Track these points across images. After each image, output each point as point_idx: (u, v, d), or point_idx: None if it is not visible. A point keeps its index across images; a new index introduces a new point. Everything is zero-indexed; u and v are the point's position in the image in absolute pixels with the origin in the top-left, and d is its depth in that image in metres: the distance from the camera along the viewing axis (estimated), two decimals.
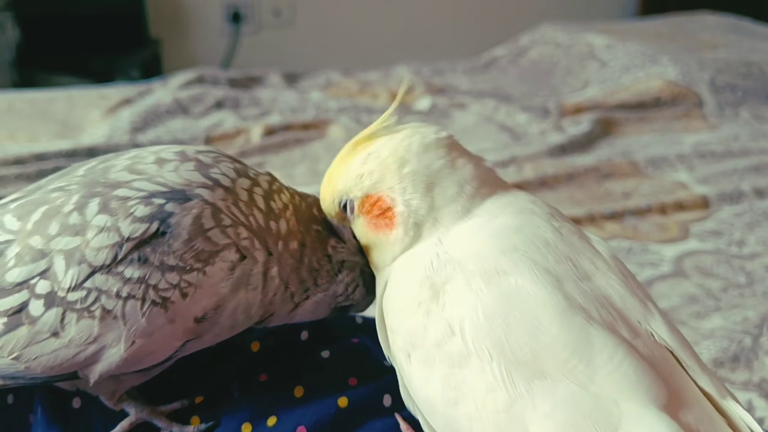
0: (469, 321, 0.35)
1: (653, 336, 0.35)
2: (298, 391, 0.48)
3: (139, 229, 0.39)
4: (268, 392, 0.48)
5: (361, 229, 0.44)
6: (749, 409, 0.64)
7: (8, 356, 0.39)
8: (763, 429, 0.61)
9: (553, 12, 2.49)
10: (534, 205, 0.41)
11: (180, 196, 0.41)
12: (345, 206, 0.44)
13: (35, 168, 1.04)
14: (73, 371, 0.40)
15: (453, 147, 0.42)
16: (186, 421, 0.47)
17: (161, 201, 0.40)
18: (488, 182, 0.42)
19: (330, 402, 0.46)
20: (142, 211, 0.39)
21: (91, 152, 1.11)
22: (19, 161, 1.06)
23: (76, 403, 0.48)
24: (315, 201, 0.48)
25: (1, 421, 0.48)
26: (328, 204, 0.45)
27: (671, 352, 0.35)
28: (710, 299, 0.78)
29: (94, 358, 0.40)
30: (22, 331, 0.39)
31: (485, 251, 0.37)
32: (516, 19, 2.50)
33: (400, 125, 0.43)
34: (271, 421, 0.45)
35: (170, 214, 0.40)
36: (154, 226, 0.39)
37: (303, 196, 0.48)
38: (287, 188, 0.47)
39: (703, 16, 1.87)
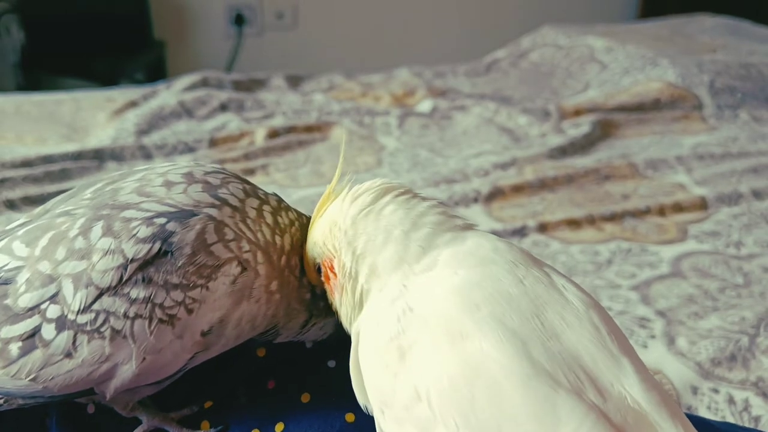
0: (435, 388, 0.34)
1: (626, 398, 0.33)
2: (305, 398, 0.49)
3: (142, 249, 0.40)
4: (275, 398, 0.49)
5: (328, 294, 0.45)
6: (746, 407, 0.65)
7: (26, 378, 0.40)
8: (759, 427, 0.63)
9: (553, 15, 2.50)
10: (496, 253, 0.39)
11: (186, 215, 0.42)
12: (319, 270, 0.45)
13: (42, 170, 1.06)
14: (88, 388, 0.42)
15: (404, 195, 0.42)
16: (196, 426, 0.48)
17: (163, 221, 0.41)
18: (447, 227, 0.41)
19: (337, 415, 0.47)
20: (144, 232, 0.40)
21: (97, 154, 1.13)
22: (26, 163, 1.07)
23: (91, 408, 0.49)
24: None
25: (19, 425, 0.49)
26: (309, 271, 0.46)
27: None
28: (708, 300, 0.80)
29: (107, 375, 0.41)
30: (37, 354, 0.40)
31: (449, 311, 0.36)
32: (517, 21, 2.51)
33: (357, 185, 0.43)
34: (279, 427, 0.47)
35: (172, 233, 0.41)
36: (156, 246, 0.40)
37: (309, 218, 0.48)
38: (294, 209, 0.48)
39: (702, 18, 1.88)
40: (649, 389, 0.34)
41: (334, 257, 0.42)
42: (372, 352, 0.38)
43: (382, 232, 0.40)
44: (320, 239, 0.44)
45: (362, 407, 0.40)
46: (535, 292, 0.36)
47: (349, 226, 0.41)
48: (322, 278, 0.45)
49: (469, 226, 0.42)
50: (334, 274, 0.43)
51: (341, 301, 0.43)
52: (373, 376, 0.37)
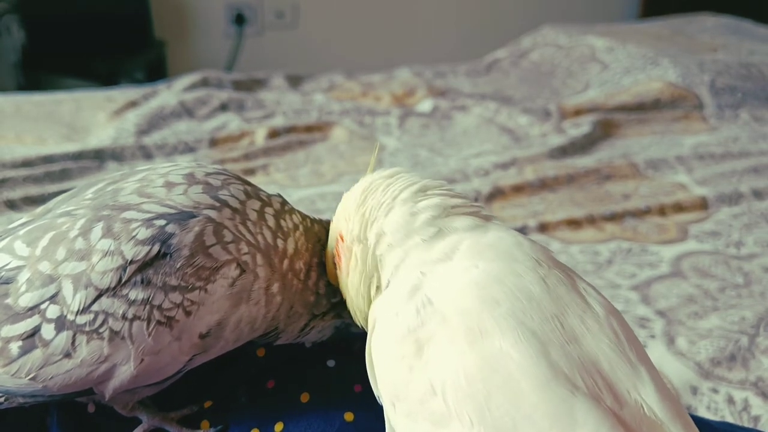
0: (451, 383, 0.34)
1: (643, 407, 0.33)
2: (304, 397, 0.49)
3: (141, 251, 0.40)
4: (275, 398, 0.49)
5: (337, 271, 0.45)
6: (745, 407, 0.65)
7: (26, 377, 0.41)
8: (759, 427, 0.63)
9: (554, 14, 2.50)
10: (518, 249, 0.38)
11: (186, 217, 0.42)
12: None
13: (43, 170, 1.06)
14: (87, 388, 0.42)
15: (414, 176, 0.43)
16: (196, 426, 0.48)
17: (162, 222, 0.41)
18: (455, 204, 0.41)
19: (337, 414, 0.47)
20: (143, 233, 0.40)
21: (97, 154, 1.13)
22: (26, 163, 1.07)
23: (91, 408, 0.49)
24: (328, 223, 0.49)
25: (20, 424, 0.50)
26: (328, 265, 0.46)
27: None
28: (708, 299, 0.80)
29: (106, 376, 0.41)
30: (37, 354, 0.40)
31: (468, 305, 0.35)
32: (517, 21, 2.51)
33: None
34: (279, 426, 0.47)
35: (171, 235, 0.41)
36: (156, 248, 0.40)
37: (314, 220, 0.48)
38: (299, 211, 0.48)
39: (704, 17, 1.88)
40: (665, 399, 0.34)
41: (345, 227, 0.43)
42: (388, 344, 0.37)
43: (389, 197, 0.42)
44: (335, 223, 0.44)
45: (376, 397, 0.39)
46: (556, 292, 0.36)
47: (359, 196, 0.43)
48: (335, 256, 0.45)
49: (485, 216, 0.42)
50: (343, 239, 0.43)
51: (348, 269, 0.43)
52: (387, 367, 0.37)
